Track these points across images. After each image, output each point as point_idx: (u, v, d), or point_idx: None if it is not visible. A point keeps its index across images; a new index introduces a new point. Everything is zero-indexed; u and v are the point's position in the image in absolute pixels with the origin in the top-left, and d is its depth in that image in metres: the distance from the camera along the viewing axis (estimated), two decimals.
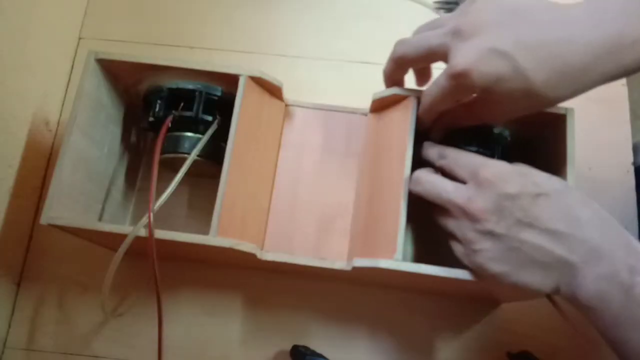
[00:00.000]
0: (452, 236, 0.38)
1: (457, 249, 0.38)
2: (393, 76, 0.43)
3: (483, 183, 0.36)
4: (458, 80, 0.36)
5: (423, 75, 0.44)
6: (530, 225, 0.34)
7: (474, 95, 0.40)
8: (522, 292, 0.37)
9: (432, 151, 0.41)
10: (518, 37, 0.34)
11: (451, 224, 0.38)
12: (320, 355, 0.46)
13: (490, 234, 0.35)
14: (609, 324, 0.33)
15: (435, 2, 0.60)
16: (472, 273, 0.38)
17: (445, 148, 0.41)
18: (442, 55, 0.37)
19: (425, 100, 0.40)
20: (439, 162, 0.40)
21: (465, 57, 0.35)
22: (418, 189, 0.40)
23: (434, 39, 0.37)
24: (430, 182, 0.39)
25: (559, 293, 0.35)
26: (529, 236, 0.34)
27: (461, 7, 0.37)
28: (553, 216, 0.34)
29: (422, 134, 0.46)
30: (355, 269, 0.42)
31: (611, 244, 0.33)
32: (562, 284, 0.35)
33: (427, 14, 0.61)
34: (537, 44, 0.34)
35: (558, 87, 0.34)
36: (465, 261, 0.38)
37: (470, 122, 0.41)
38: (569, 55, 0.33)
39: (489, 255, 0.35)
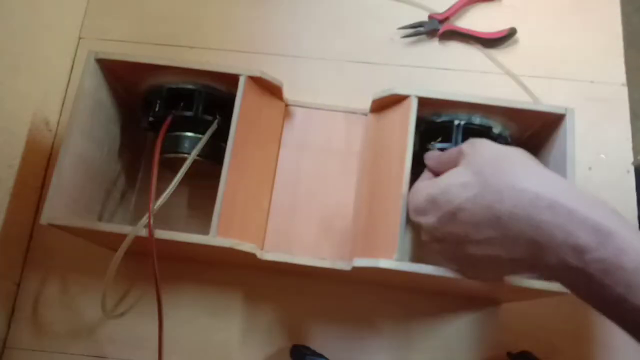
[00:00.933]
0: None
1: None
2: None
3: (413, 223, 0.39)
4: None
5: None
6: (466, 241, 0.34)
7: None
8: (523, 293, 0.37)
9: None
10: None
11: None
12: (320, 355, 0.46)
13: (447, 258, 0.38)
14: (587, 301, 0.32)
15: (400, 28, 0.60)
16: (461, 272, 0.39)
17: (428, 159, 0.42)
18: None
19: None
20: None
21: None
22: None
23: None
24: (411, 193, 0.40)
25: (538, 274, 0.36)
26: (473, 250, 0.34)
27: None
28: (477, 226, 0.33)
29: (421, 133, 0.46)
30: (355, 269, 0.42)
31: (546, 231, 0.30)
32: (530, 273, 0.36)
33: (426, 14, 0.61)
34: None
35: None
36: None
37: None
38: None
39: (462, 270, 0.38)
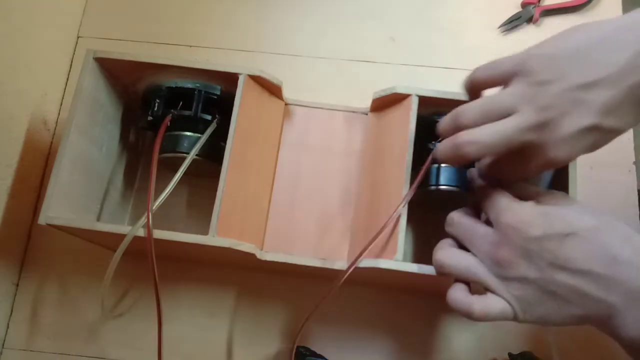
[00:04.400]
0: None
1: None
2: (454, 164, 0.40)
3: (506, 230, 0.34)
4: (554, 167, 0.36)
5: None
6: (562, 267, 0.33)
7: None
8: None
9: (478, 192, 0.40)
10: (597, 105, 0.33)
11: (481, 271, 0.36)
12: (320, 356, 0.46)
13: (524, 280, 0.34)
14: None
15: (500, 27, 0.60)
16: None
17: (483, 189, 0.39)
18: (519, 147, 0.35)
19: (505, 179, 0.39)
20: (479, 204, 0.39)
21: (559, 149, 0.34)
22: (450, 230, 0.39)
23: (516, 135, 0.35)
24: (462, 225, 0.37)
25: (594, 326, 0.34)
26: (563, 278, 0.33)
27: (519, 85, 0.35)
28: (585, 256, 0.32)
29: (422, 134, 0.45)
30: (355, 269, 0.42)
31: None
32: (601, 322, 0.33)
33: (427, 13, 0.61)
34: (613, 101, 0.33)
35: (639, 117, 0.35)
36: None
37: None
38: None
39: (527, 303, 0.34)
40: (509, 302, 0.34)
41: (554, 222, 0.33)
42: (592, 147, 0.35)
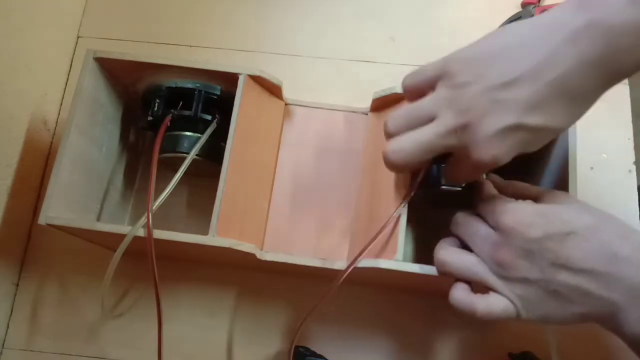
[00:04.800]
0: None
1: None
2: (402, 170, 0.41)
3: (506, 231, 0.34)
4: (485, 168, 0.35)
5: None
6: (564, 266, 0.33)
7: None
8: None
9: (476, 193, 0.40)
10: (516, 104, 0.33)
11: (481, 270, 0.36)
12: (320, 356, 0.46)
13: (525, 281, 0.34)
14: None
15: (501, 27, 0.60)
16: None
17: (482, 191, 0.39)
18: (447, 150, 0.36)
19: (454, 180, 0.40)
20: (477, 208, 0.39)
21: (481, 150, 0.34)
22: (454, 229, 0.39)
23: (436, 141, 0.35)
24: (466, 225, 0.38)
25: (597, 323, 0.35)
26: (565, 277, 0.33)
27: (440, 89, 0.35)
28: (586, 255, 0.32)
29: None
30: (355, 269, 0.42)
31: None
32: (603, 319, 0.34)
33: (426, 13, 0.61)
34: (535, 97, 0.32)
35: (575, 112, 0.34)
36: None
37: None
38: (564, 82, 0.32)
39: (529, 302, 0.34)
40: (511, 301, 0.34)
41: (553, 221, 0.33)
42: (524, 146, 0.34)
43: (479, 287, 0.36)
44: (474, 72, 0.34)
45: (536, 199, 0.36)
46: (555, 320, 0.34)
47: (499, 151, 0.34)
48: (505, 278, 0.34)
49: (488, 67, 0.33)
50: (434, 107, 0.35)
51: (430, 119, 0.35)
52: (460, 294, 0.36)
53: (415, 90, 0.37)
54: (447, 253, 0.37)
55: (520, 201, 0.36)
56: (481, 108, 0.33)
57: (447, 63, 0.35)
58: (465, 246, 0.37)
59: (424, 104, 0.36)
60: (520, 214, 0.34)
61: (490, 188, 0.39)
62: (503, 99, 0.33)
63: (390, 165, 0.37)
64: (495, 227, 0.35)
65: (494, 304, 0.34)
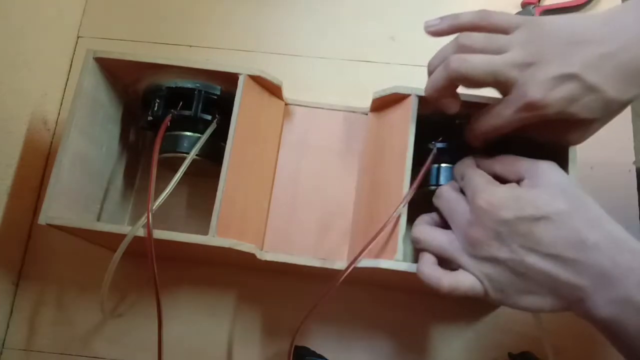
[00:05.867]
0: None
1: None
2: (444, 93, 0.40)
3: (478, 211, 0.36)
4: (531, 112, 0.36)
5: (454, 98, 0.41)
6: (532, 249, 0.34)
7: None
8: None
9: (457, 170, 0.41)
10: (581, 59, 0.35)
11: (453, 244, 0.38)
12: (320, 356, 0.46)
13: (495, 260, 0.35)
14: (627, 345, 0.33)
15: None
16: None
17: (467, 168, 0.40)
18: (505, 85, 0.37)
19: (483, 128, 0.40)
20: (460, 183, 0.40)
21: (536, 88, 0.35)
22: (436, 202, 0.41)
23: (503, 68, 0.36)
24: (447, 199, 0.39)
25: (568, 310, 0.35)
26: (534, 260, 0.34)
27: (519, 33, 0.37)
28: (555, 240, 0.33)
29: (422, 133, 0.45)
30: (355, 269, 0.42)
31: (622, 267, 0.32)
32: (572, 304, 0.34)
33: (426, 13, 0.61)
34: (599, 60, 0.35)
35: (628, 89, 0.35)
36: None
37: (541, 138, 0.41)
38: (630, 60, 0.35)
39: (497, 282, 0.35)
40: (479, 279, 0.36)
41: (525, 206, 0.34)
42: (572, 103, 0.35)
43: (451, 264, 0.37)
44: (554, 29, 0.36)
45: (521, 174, 0.37)
46: (524, 303, 0.35)
47: (551, 95, 0.35)
48: (475, 256, 0.36)
49: (568, 29, 0.36)
50: (509, 44, 0.37)
51: (501, 52, 0.37)
52: (427, 269, 0.37)
53: (492, 27, 0.39)
54: (422, 230, 0.39)
55: (497, 183, 0.37)
56: (550, 54, 0.35)
57: (531, 19, 0.38)
58: (443, 219, 0.39)
59: (501, 37, 0.37)
60: (493, 196, 0.35)
61: (472, 165, 0.40)
62: (571, 51, 0.35)
63: (451, 70, 0.37)
64: (470, 205, 0.37)
65: (460, 280, 0.36)
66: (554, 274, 0.33)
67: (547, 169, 0.37)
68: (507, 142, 0.41)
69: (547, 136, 0.40)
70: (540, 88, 0.35)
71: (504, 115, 0.37)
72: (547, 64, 0.35)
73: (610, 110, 0.37)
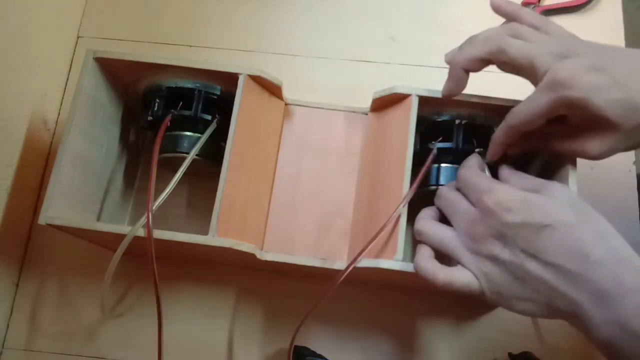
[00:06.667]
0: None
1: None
2: (473, 65, 0.40)
3: (485, 211, 0.35)
4: (557, 91, 0.35)
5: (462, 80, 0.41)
6: (534, 256, 0.33)
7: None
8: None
9: (458, 174, 0.40)
10: (614, 58, 0.37)
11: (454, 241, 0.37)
12: (320, 356, 0.46)
13: (495, 259, 0.35)
14: None
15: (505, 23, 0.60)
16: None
17: (461, 168, 0.40)
18: (538, 72, 0.36)
19: (515, 118, 0.38)
20: (455, 184, 0.40)
21: (565, 68, 0.35)
22: (437, 202, 0.40)
23: (541, 55, 0.36)
24: (448, 199, 0.39)
25: (564, 320, 0.35)
26: (534, 267, 0.33)
27: (557, 34, 0.39)
28: (558, 250, 0.33)
29: (422, 132, 0.45)
30: (355, 268, 0.42)
31: (623, 288, 0.31)
32: (567, 317, 0.34)
33: (426, 13, 0.61)
34: (631, 63, 0.36)
35: None
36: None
37: (562, 148, 0.40)
38: None
39: (495, 282, 0.35)
40: (476, 276, 0.35)
41: (533, 211, 0.34)
42: (598, 90, 0.35)
43: (450, 260, 0.37)
44: (590, 41, 0.38)
45: (535, 188, 0.36)
46: (519, 307, 0.35)
47: (579, 78, 0.34)
48: (475, 253, 0.35)
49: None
50: (549, 39, 0.38)
51: (541, 44, 0.38)
52: (423, 262, 0.37)
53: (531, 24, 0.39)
54: (425, 223, 0.39)
55: (506, 184, 0.37)
56: (585, 52, 0.37)
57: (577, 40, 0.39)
58: (445, 218, 0.39)
59: (544, 34, 0.39)
60: (502, 197, 0.35)
61: (475, 166, 0.40)
62: (606, 54, 0.37)
63: (495, 45, 0.38)
64: (475, 205, 0.36)
65: (456, 275, 0.36)
66: (553, 284, 0.33)
67: (561, 185, 0.36)
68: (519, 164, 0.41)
69: (567, 145, 0.39)
70: (570, 70, 0.35)
71: (536, 99, 0.37)
72: (580, 57, 0.36)
73: (634, 122, 0.36)
